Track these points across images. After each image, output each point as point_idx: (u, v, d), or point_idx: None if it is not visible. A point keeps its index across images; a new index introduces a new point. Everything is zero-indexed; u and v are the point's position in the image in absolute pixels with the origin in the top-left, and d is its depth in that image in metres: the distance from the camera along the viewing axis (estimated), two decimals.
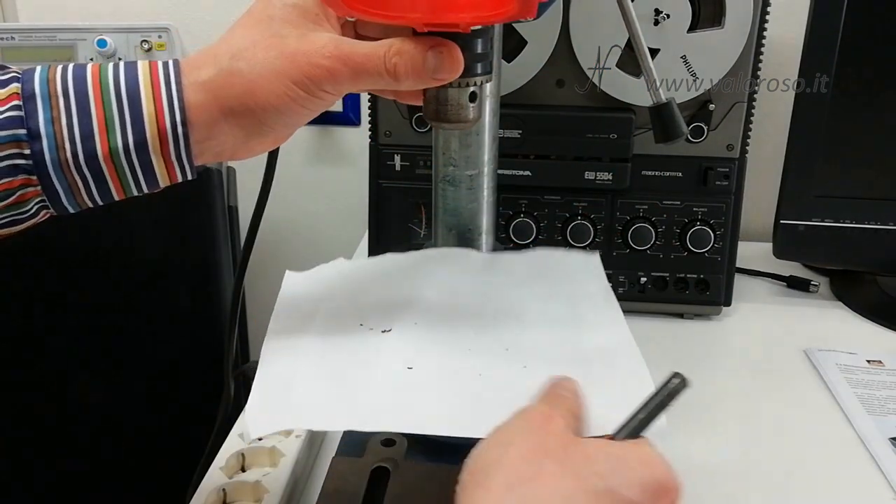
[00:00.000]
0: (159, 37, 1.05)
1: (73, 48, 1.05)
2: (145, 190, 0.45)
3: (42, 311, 1.10)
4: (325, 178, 1.30)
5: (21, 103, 0.42)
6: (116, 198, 0.45)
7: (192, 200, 1.05)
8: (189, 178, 0.46)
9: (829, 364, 0.83)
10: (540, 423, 0.41)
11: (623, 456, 0.40)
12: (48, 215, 0.46)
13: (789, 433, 0.72)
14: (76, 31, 1.05)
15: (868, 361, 0.83)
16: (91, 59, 1.05)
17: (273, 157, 0.59)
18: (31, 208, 0.44)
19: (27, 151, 0.42)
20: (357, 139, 1.27)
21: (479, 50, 0.45)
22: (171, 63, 0.44)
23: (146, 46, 1.05)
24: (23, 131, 0.41)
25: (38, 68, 0.43)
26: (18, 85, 0.42)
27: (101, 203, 0.45)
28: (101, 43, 1.04)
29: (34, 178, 0.42)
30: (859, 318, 0.95)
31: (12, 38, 1.05)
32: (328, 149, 1.29)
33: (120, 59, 1.06)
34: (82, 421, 1.14)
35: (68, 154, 0.42)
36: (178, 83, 0.43)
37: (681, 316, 0.93)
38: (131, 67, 0.44)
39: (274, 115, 0.44)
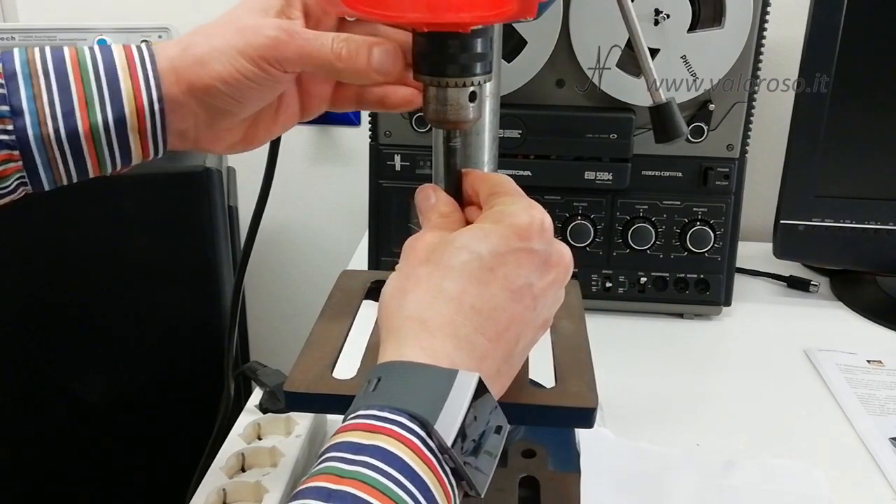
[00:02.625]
0: (159, 37, 1.05)
1: None
2: (119, 167, 0.47)
3: (42, 311, 1.10)
4: (325, 178, 1.30)
5: (3, 81, 0.43)
6: (91, 174, 0.47)
7: (192, 200, 1.05)
8: (159, 155, 0.47)
9: (829, 364, 0.83)
10: (409, 252, 0.45)
11: (485, 225, 0.44)
12: (24, 192, 0.47)
13: (789, 433, 0.72)
14: (76, 31, 1.05)
15: (868, 361, 0.83)
16: None
17: (273, 157, 0.59)
18: (11, 184, 0.45)
19: (10, 127, 0.43)
20: (357, 139, 1.27)
21: (479, 50, 0.45)
22: (143, 45, 0.46)
23: None
24: (6, 108, 0.43)
25: (16, 50, 0.44)
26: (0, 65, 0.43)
27: (75, 180, 0.46)
28: (101, 43, 1.04)
29: (16, 153, 0.44)
30: (859, 318, 0.95)
31: (12, 38, 1.05)
32: (328, 149, 1.29)
33: None
34: (81, 420, 1.14)
35: (50, 129, 0.43)
36: (153, 63, 0.45)
37: (681, 316, 0.93)
38: (106, 50, 0.45)
39: (225, 88, 0.45)
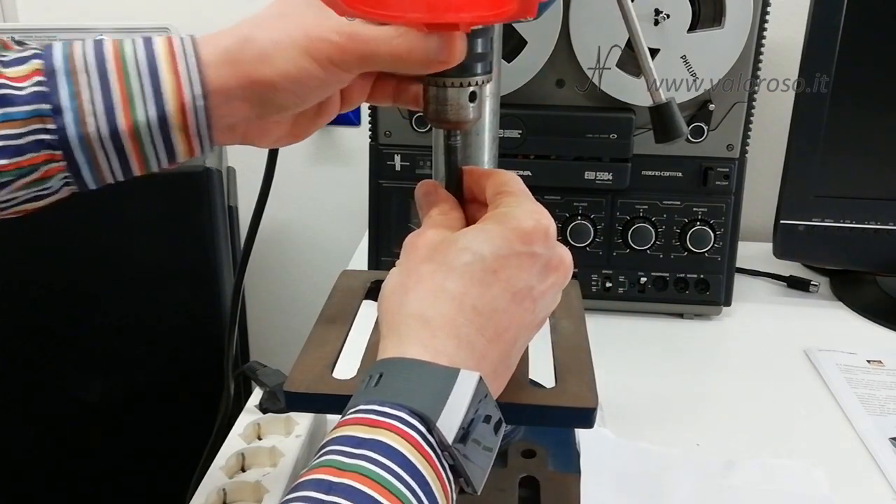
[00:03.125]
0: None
1: None
2: (164, 165, 0.46)
3: (41, 311, 1.10)
4: (325, 178, 1.31)
5: (44, 79, 0.42)
6: (137, 173, 0.46)
7: (192, 200, 1.05)
8: (207, 152, 0.47)
9: (829, 364, 0.83)
10: (410, 249, 0.45)
11: (489, 226, 0.44)
12: (70, 192, 0.46)
13: (789, 433, 0.72)
14: (76, 31, 1.05)
15: (868, 361, 0.83)
16: None
17: (273, 157, 0.59)
18: (55, 184, 0.45)
19: (51, 126, 0.42)
20: (357, 139, 1.27)
21: (479, 50, 0.45)
22: (186, 38, 0.45)
23: None
24: (47, 106, 0.42)
25: (58, 44, 0.43)
26: (40, 61, 0.43)
27: (122, 179, 0.46)
28: None
29: (58, 153, 0.43)
30: (859, 318, 0.95)
31: (12, 38, 1.05)
32: (328, 149, 1.29)
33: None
34: (81, 421, 1.14)
35: (91, 128, 0.43)
36: (196, 56, 0.44)
37: (681, 316, 0.93)
38: (148, 42, 0.44)
39: (286, 84, 0.44)
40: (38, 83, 0.42)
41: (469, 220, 0.48)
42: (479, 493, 0.39)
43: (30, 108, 0.42)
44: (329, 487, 0.34)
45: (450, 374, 0.38)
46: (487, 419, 0.39)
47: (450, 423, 0.37)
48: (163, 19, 1.07)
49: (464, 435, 0.38)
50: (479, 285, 0.42)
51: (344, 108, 0.52)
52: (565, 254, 0.46)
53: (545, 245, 0.44)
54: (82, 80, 0.42)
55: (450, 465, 0.38)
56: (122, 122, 0.43)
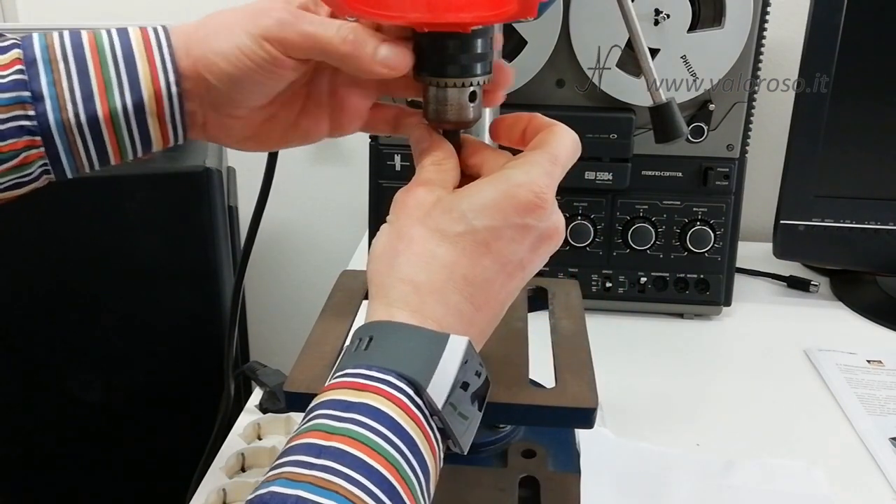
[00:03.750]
0: None
1: None
2: (139, 153, 0.47)
3: (41, 311, 1.10)
4: (325, 178, 1.31)
5: (24, 67, 0.43)
6: (113, 161, 0.47)
7: (192, 200, 1.05)
8: (179, 142, 0.47)
9: (829, 364, 0.83)
10: (400, 208, 0.44)
11: (486, 192, 0.43)
12: (48, 180, 0.47)
13: (789, 433, 0.72)
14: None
15: (868, 361, 0.83)
16: None
17: (273, 157, 0.59)
18: (34, 171, 0.45)
19: (31, 113, 0.43)
20: (357, 139, 1.27)
21: (479, 50, 0.45)
22: (160, 26, 0.46)
23: None
24: (27, 93, 0.43)
25: (36, 35, 0.44)
26: (20, 51, 0.44)
27: (98, 167, 0.47)
28: None
29: (38, 139, 0.44)
30: (859, 318, 0.95)
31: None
32: (328, 149, 1.29)
33: None
34: (81, 421, 1.14)
35: (70, 114, 0.44)
36: (169, 45, 0.45)
37: (681, 316, 0.93)
38: (123, 32, 0.46)
39: (225, 66, 0.44)
40: (19, 71, 0.43)
41: (463, 173, 0.47)
42: (465, 453, 0.40)
43: (11, 94, 0.43)
44: (319, 451, 0.34)
45: (440, 338, 0.39)
46: (475, 385, 0.40)
47: (439, 388, 0.37)
48: (163, 19, 1.07)
49: (453, 398, 0.38)
50: (471, 256, 0.42)
51: (336, 131, 0.51)
52: (560, 222, 0.45)
53: (541, 216, 0.43)
54: (61, 68, 0.44)
55: (438, 429, 0.38)
56: (99, 109, 0.44)
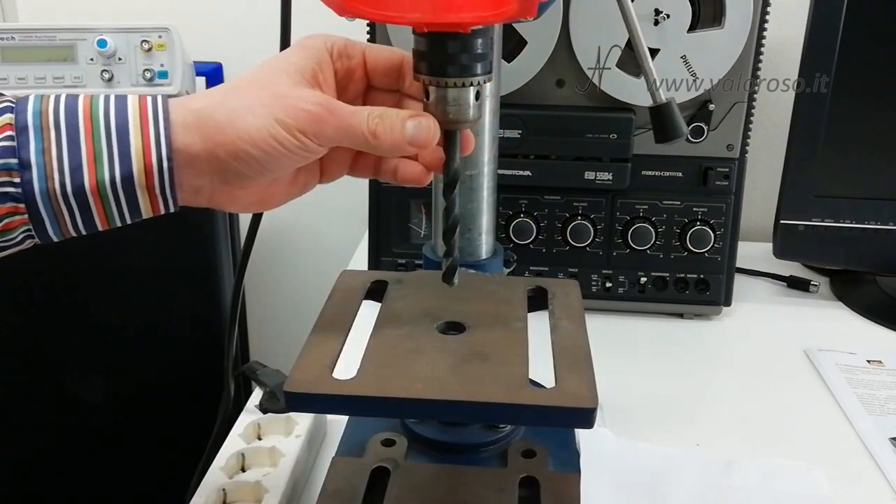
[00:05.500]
0: (159, 37, 1.05)
1: (73, 48, 1.05)
2: (128, 221, 0.46)
3: (42, 311, 1.10)
4: None
5: (14, 134, 0.42)
6: (100, 228, 0.46)
7: None
8: (171, 210, 0.46)
9: (829, 364, 0.83)
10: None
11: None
12: (32, 244, 0.46)
13: (789, 433, 0.72)
14: (76, 31, 1.05)
15: (868, 361, 0.83)
16: (91, 60, 1.05)
17: None
18: (17, 236, 0.45)
19: (17, 180, 0.42)
20: None
21: (480, 50, 0.45)
22: (160, 98, 0.45)
23: (146, 46, 1.05)
24: (14, 161, 0.42)
25: (32, 98, 0.44)
26: (12, 115, 0.43)
27: (84, 233, 0.46)
28: (101, 43, 1.04)
29: (21, 206, 0.43)
30: (859, 318, 0.95)
31: (12, 38, 1.05)
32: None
33: (120, 59, 1.06)
34: (82, 421, 1.14)
35: (56, 184, 0.43)
36: (166, 119, 0.44)
37: (681, 316, 0.93)
38: (121, 101, 0.45)
39: (256, 153, 0.44)
40: (9, 138, 0.42)
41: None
42: None
43: None
44: None
45: None
46: None
47: None
48: (163, 19, 1.07)
49: None
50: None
51: (324, 180, 0.53)
52: None
53: None
54: (52, 136, 0.43)
55: None
56: (87, 181, 0.43)
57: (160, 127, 0.44)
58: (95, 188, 0.43)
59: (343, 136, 0.45)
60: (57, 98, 0.44)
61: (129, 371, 1.12)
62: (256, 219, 0.64)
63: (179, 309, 1.10)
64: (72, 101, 0.44)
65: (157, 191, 0.45)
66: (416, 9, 0.41)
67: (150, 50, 1.06)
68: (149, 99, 0.45)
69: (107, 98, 0.45)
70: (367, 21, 0.60)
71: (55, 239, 0.46)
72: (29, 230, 0.45)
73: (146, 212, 0.46)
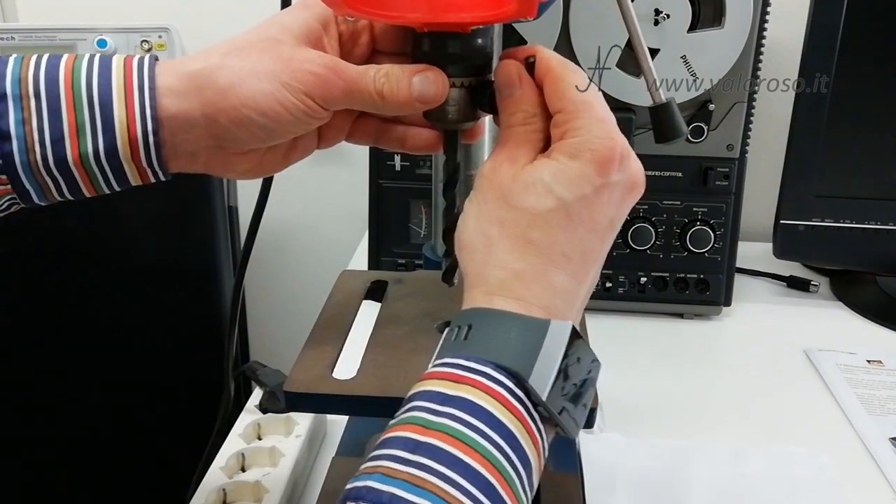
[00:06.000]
0: (159, 37, 1.05)
1: (73, 48, 1.05)
2: (117, 189, 0.45)
3: (42, 311, 1.10)
4: (325, 178, 1.30)
5: None
6: (87, 195, 0.45)
7: (192, 200, 1.05)
8: (163, 180, 0.45)
9: (829, 364, 0.82)
10: (486, 186, 0.42)
11: (565, 163, 0.41)
12: (18, 209, 0.45)
13: (789, 433, 0.72)
14: (76, 31, 1.05)
15: (868, 361, 0.83)
16: None
17: None
18: (2, 204, 0.44)
19: None
20: None
21: (480, 50, 0.45)
22: (146, 64, 0.43)
23: (146, 46, 1.05)
24: None
25: (11, 62, 0.42)
26: None
27: (72, 198, 0.45)
28: (101, 43, 1.04)
29: (3, 177, 0.42)
30: (859, 318, 0.95)
31: (12, 38, 1.05)
32: (328, 149, 1.29)
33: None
34: (82, 420, 1.14)
35: (38, 157, 0.41)
36: (152, 89, 0.42)
37: (681, 316, 0.93)
38: (105, 68, 0.42)
39: (260, 119, 0.43)
40: None
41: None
42: (576, 438, 0.39)
43: None
44: (415, 447, 0.34)
45: (540, 325, 0.38)
46: (586, 371, 0.39)
47: (543, 377, 0.37)
48: (163, 19, 1.07)
49: (560, 385, 0.37)
50: (565, 231, 0.41)
51: (322, 145, 0.50)
52: (639, 168, 0.44)
53: (622, 169, 0.42)
54: (32, 105, 0.41)
55: (543, 418, 0.37)
56: (69, 152, 0.42)
57: (145, 97, 0.42)
58: (78, 161, 0.42)
59: (350, 98, 0.43)
60: (38, 61, 0.42)
61: (129, 371, 1.12)
62: (256, 219, 0.64)
63: (179, 309, 1.10)
64: (53, 65, 0.42)
65: (144, 163, 0.43)
66: (416, 9, 0.41)
67: (150, 50, 1.06)
68: (134, 64, 0.42)
69: (90, 62, 0.42)
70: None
71: (42, 205, 0.45)
72: (13, 198, 0.43)
73: (135, 181, 0.44)
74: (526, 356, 0.37)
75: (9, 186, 0.42)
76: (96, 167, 0.42)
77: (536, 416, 0.37)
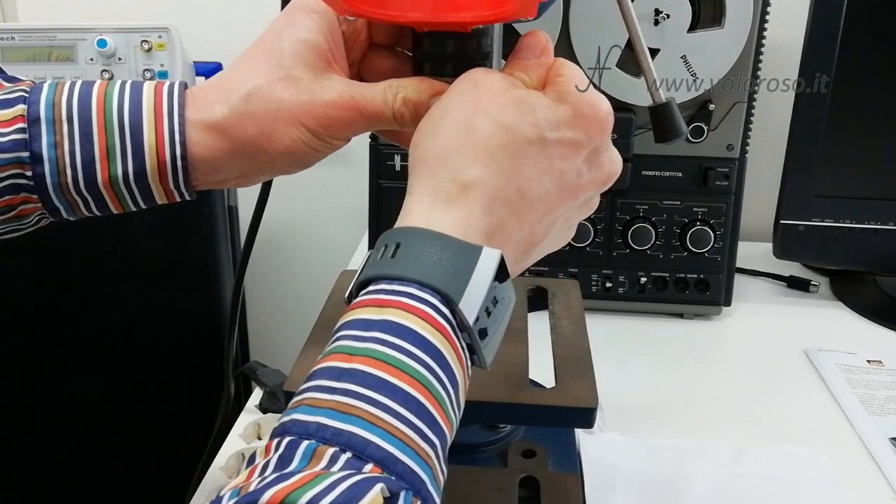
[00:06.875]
0: (159, 37, 1.05)
1: (73, 48, 1.05)
2: (143, 207, 0.47)
3: (42, 311, 1.10)
4: (325, 178, 1.31)
5: (26, 126, 0.42)
6: (115, 212, 0.46)
7: (192, 200, 1.05)
8: (188, 199, 0.47)
9: (829, 364, 0.83)
10: (469, 83, 0.41)
11: (557, 105, 0.41)
12: (47, 222, 0.47)
13: (789, 433, 0.72)
14: (76, 31, 1.05)
15: (868, 361, 0.83)
16: (91, 60, 1.05)
17: None
18: (32, 219, 0.45)
19: (29, 173, 0.42)
20: (357, 139, 1.26)
21: (480, 49, 0.45)
22: (175, 91, 0.44)
23: (146, 46, 1.05)
24: (26, 154, 0.42)
25: (46, 88, 0.43)
26: (24, 106, 0.43)
27: (100, 215, 0.46)
28: (101, 43, 1.04)
29: (34, 196, 0.43)
30: (859, 318, 0.95)
31: (12, 38, 1.05)
32: None
33: (120, 59, 1.06)
34: (82, 420, 1.14)
35: (69, 179, 0.43)
36: (182, 116, 0.43)
37: (681, 316, 0.93)
38: (136, 94, 0.44)
39: (284, 157, 0.45)
40: (20, 130, 0.42)
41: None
42: (487, 368, 0.38)
43: (10, 155, 0.42)
44: (339, 374, 0.33)
45: (472, 250, 0.37)
46: (502, 301, 0.38)
47: (471, 304, 0.36)
48: (163, 19, 1.07)
49: (481, 316, 0.37)
50: (534, 167, 0.39)
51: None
52: (618, 157, 0.45)
53: (607, 141, 0.43)
54: (65, 129, 0.42)
55: (466, 344, 0.37)
56: (100, 175, 0.43)
57: (175, 125, 0.43)
58: (108, 182, 0.44)
59: (371, 126, 0.45)
60: (72, 87, 0.43)
61: (129, 371, 1.12)
62: (256, 219, 0.64)
63: (179, 308, 1.10)
64: (86, 90, 0.43)
65: (171, 185, 0.45)
66: (417, 8, 0.41)
67: (150, 50, 1.06)
68: (164, 92, 0.44)
69: (122, 87, 0.44)
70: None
71: (72, 218, 0.46)
72: (43, 214, 0.45)
73: (161, 200, 0.46)
74: (455, 279, 0.36)
75: (39, 205, 0.44)
76: (125, 188, 0.44)
77: (461, 339, 0.36)
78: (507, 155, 0.39)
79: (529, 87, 0.43)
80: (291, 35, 0.45)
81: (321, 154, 0.46)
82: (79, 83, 0.44)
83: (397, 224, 0.39)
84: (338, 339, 0.35)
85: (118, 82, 0.44)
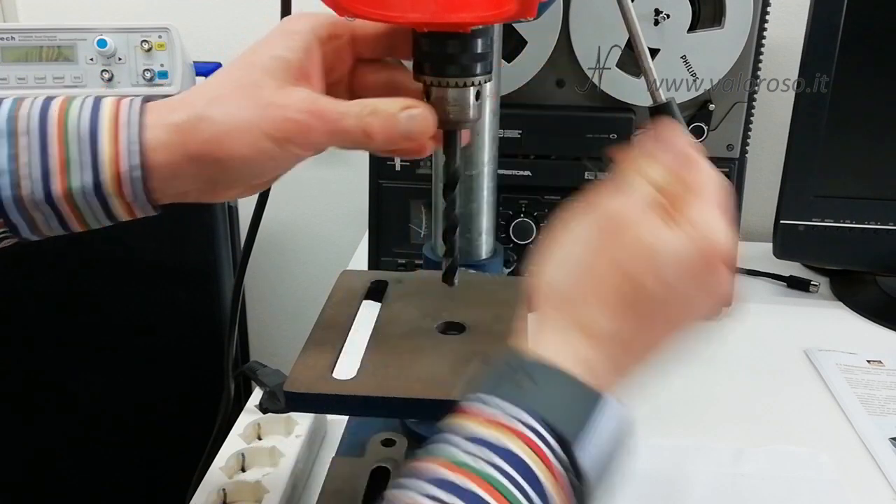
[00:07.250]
0: (159, 37, 1.05)
1: (73, 48, 1.05)
2: (105, 223, 0.46)
3: (42, 311, 1.10)
4: (325, 178, 1.31)
5: None
6: (78, 230, 0.45)
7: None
8: (151, 214, 0.45)
9: (829, 364, 0.83)
10: (600, 216, 0.44)
11: (681, 244, 0.43)
12: (13, 242, 0.46)
13: (789, 433, 0.72)
14: (76, 31, 1.05)
15: (868, 361, 0.83)
16: (91, 60, 1.05)
17: None
18: None
19: None
20: None
21: (480, 50, 0.45)
22: (137, 103, 0.43)
23: (146, 46, 1.05)
24: None
25: (8, 102, 0.43)
26: None
27: (62, 233, 0.45)
28: (101, 43, 1.04)
29: None
30: (859, 318, 0.95)
31: (12, 38, 1.05)
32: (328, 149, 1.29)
33: (120, 59, 1.06)
34: (82, 420, 1.14)
35: (25, 191, 0.42)
36: (140, 125, 0.42)
37: None
38: (96, 106, 0.43)
39: (241, 166, 0.43)
40: None
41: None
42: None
43: None
44: (442, 483, 0.34)
45: (600, 401, 0.39)
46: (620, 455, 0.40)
47: (590, 452, 0.37)
48: (163, 19, 1.07)
49: (600, 468, 0.38)
50: (655, 321, 0.43)
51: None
52: (727, 278, 0.47)
53: (727, 277, 0.45)
54: (23, 142, 0.42)
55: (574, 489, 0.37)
56: (56, 188, 0.42)
57: (133, 134, 0.42)
58: (66, 195, 0.42)
59: (334, 139, 0.44)
60: (33, 101, 0.43)
61: (129, 370, 1.12)
62: (256, 219, 0.64)
63: (179, 308, 1.10)
64: (46, 104, 0.43)
65: (130, 198, 0.43)
66: (417, 9, 0.41)
67: (149, 50, 1.06)
68: (124, 104, 0.43)
69: (83, 101, 0.43)
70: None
71: (34, 238, 0.45)
72: (5, 232, 0.44)
73: (121, 216, 0.45)
74: (579, 424, 0.37)
75: (1, 220, 0.43)
76: (83, 201, 0.43)
77: (573, 482, 0.37)
78: (635, 313, 0.42)
79: (665, 193, 0.45)
80: (266, 52, 0.44)
81: (279, 165, 0.44)
82: (42, 97, 0.43)
83: (530, 342, 0.41)
84: (441, 441, 0.36)
85: (81, 96, 0.44)
